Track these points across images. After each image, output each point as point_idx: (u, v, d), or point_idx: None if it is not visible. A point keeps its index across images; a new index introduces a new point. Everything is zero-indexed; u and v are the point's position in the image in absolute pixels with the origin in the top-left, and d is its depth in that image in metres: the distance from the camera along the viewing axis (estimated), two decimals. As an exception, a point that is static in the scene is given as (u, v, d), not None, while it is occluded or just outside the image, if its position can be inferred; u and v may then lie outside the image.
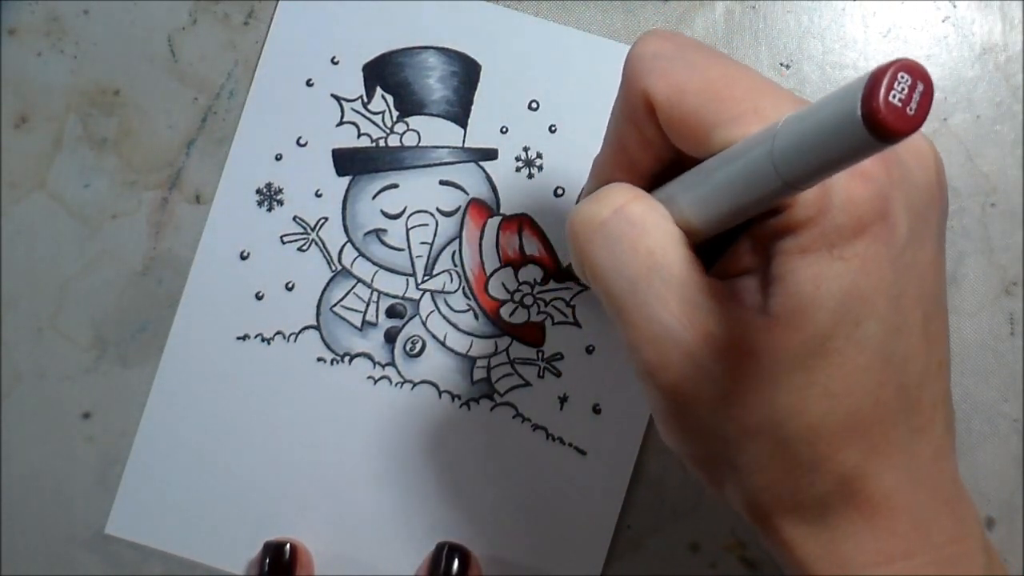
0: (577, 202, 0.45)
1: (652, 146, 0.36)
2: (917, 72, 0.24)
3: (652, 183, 0.38)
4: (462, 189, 0.52)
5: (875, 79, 0.24)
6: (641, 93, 0.34)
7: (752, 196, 0.31)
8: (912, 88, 0.24)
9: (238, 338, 0.51)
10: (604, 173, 0.39)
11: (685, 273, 0.33)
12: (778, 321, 0.32)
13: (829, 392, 0.32)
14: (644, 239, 0.34)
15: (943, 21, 0.53)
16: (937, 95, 0.52)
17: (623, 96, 0.36)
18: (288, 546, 0.49)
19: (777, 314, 0.32)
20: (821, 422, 0.33)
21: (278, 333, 0.51)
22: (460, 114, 0.52)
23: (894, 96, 0.24)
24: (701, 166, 0.33)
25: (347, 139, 0.52)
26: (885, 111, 0.24)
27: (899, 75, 0.24)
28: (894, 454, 0.34)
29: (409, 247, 0.52)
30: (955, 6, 0.53)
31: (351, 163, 0.52)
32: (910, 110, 0.24)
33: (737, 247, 0.35)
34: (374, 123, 0.52)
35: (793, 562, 0.35)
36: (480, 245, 0.51)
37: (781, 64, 0.52)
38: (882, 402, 0.33)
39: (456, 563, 0.49)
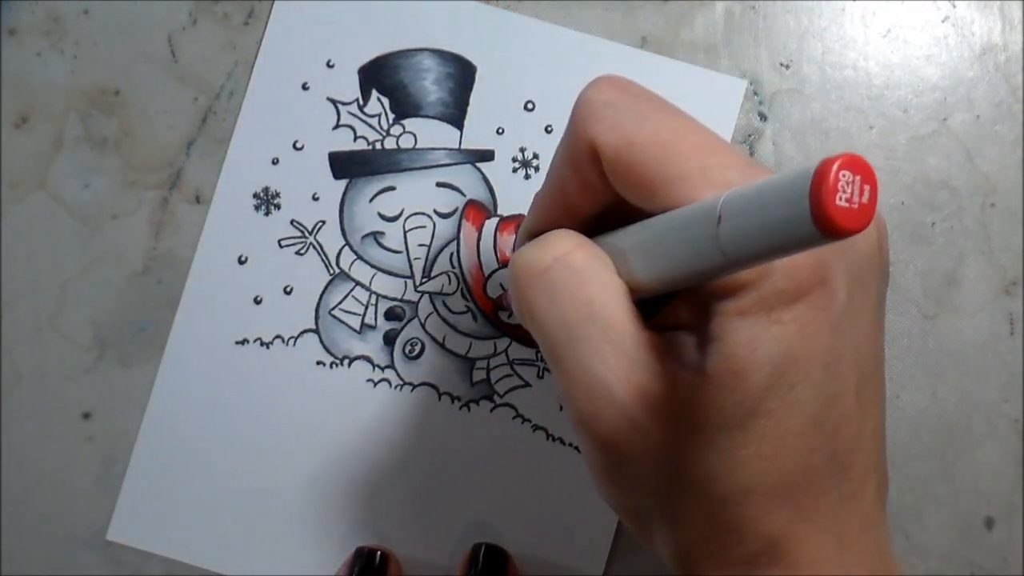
0: (516, 241, 0.45)
1: (593, 191, 0.36)
2: (860, 167, 0.24)
3: (592, 224, 0.37)
4: (459, 191, 0.52)
5: (820, 178, 0.24)
6: (587, 141, 0.34)
7: (698, 269, 0.30)
8: (858, 184, 0.24)
9: (237, 343, 0.51)
10: (543, 212, 0.39)
11: (624, 325, 0.33)
12: (713, 381, 0.32)
13: (760, 455, 0.32)
14: (584, 288, 0.34)
15: (943, 21, 0.52)
16: (937, 95, 0.52)
17: (569, 141, 0.36)
18: (380, 553, 0.49)
19: (712, 374, 0.32)
20: (751, 484, 0.33)
21: (277, 337, 0.51)
22: (456, 116, 0.52)
23: (841, 198, 0.24)
24: (648, 227, 0.33)
25: (343, 142, 0.52)
26: (834, 212, 0.24)
27: (842, 174, 0.24)
28: (822, 520, 0.34)
29: (407, 249, 0.52)
30: (955, 6, 0.52)
31: (348, 166, 0.52)
32: (858, 205, 0.24)
33: (677, 302, 0.35)
34: (370, 126, 0.52)
35: None
36: (478, 246, 0.51)
37: (781, 64, 0.52)
38: (812, 467, 0.33)
39: (494, 563, 0.49)
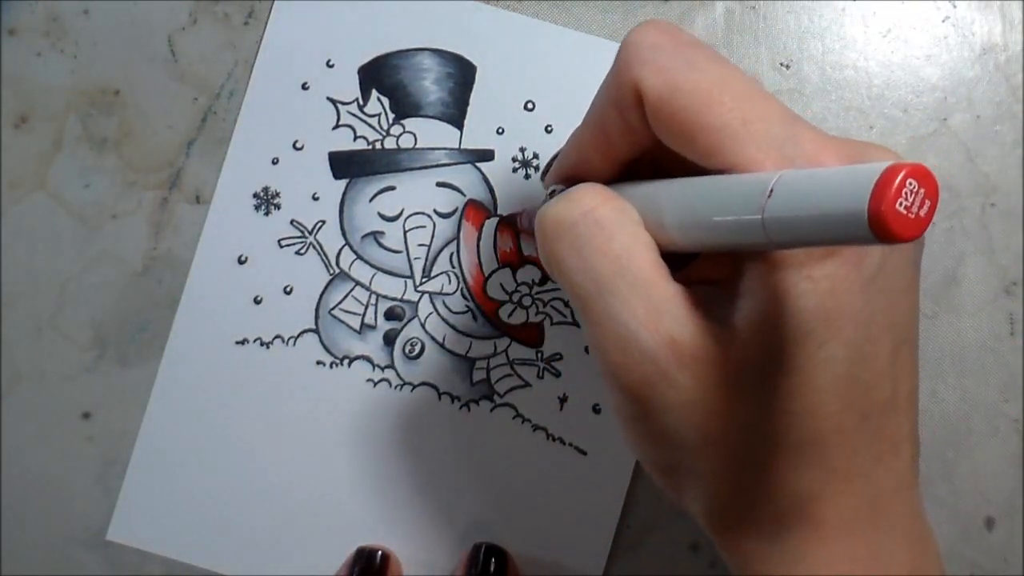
0: (544, 171, 0.44)
1: (633, 134, 0.36)
2: (926, 179, 0.24)
3: (626, 167, 0.38)
4: (459, 190, 0.52)
5: (885, 183, 0.23)
6: (632, 82, 0.34)
7: (736, 241, 0.30)
8: (920, 195, 0.24)
9: (237, 343, 0.51)
10: (580, 152, 0.39)
11: (652, 278, 0.33)
12: (741, 334, 0.32)
13: (789, 411, 0.32)
14: (612, 242, 0.34)
15: (943, 21, 0.52)
16: (937, 95, 0.52)
17: (613, 82, 0.35)
18: (380, 553, 0.49)
19: (741, 327, 0.32)
20: (779, 440, 0.33)
21: (277, 337, 0.51)
22: (456, 115, 0.52)
23: (901, 204, 0.23)
24: (692, 187, 0.33)
25: (343, 142, 0.52)
26: (892, 218, 0.23)
27: (908, 182, 0.23)
28: (854, 480, 0.34)
29: (407, 249, 0.52)
30: (955, 6, 0.52)
31: (348, 166, 0.52)
32: (916, 216, 0.24)
33: (707, 256, 0.35)
34: (370, 126, 0.52)
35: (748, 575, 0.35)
36: (478, 246, 0.51)
37: (781, 64, 0.52)
38: (844, 427, 0.33)
39: (494, 563, 0.49)
